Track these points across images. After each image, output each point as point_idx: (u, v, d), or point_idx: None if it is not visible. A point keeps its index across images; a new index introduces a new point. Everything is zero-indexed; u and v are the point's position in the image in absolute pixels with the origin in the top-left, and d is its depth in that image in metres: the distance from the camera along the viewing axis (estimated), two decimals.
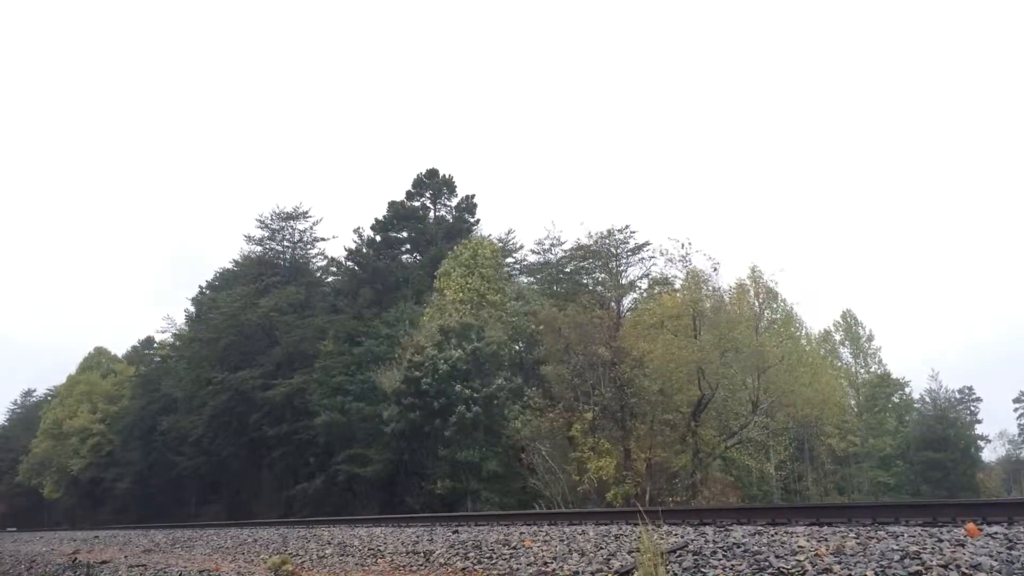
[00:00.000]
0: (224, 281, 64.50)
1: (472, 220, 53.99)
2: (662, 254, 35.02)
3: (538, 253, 58.80)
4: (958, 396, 71.59)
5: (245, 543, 17.72)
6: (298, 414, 47.84)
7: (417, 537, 13.44)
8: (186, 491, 63.35)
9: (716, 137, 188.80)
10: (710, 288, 34.11)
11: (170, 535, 23.16)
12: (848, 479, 58.74)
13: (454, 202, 54.95)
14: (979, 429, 70.46)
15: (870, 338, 69.57)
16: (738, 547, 8.14)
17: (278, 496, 49.90)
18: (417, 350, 37.72)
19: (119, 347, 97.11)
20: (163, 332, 76.77)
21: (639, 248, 47.70)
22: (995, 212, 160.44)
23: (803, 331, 57.75)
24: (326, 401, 43.76)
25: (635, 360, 33.50)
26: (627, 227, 47.12)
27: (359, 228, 54.75)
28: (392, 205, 53.80)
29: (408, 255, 54.75)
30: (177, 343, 68.22)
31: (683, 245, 33.44)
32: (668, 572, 7.81)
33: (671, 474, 32.71)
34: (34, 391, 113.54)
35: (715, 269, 33.75)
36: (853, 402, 64.37)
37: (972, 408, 72.47)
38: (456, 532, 13.37)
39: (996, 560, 6.31)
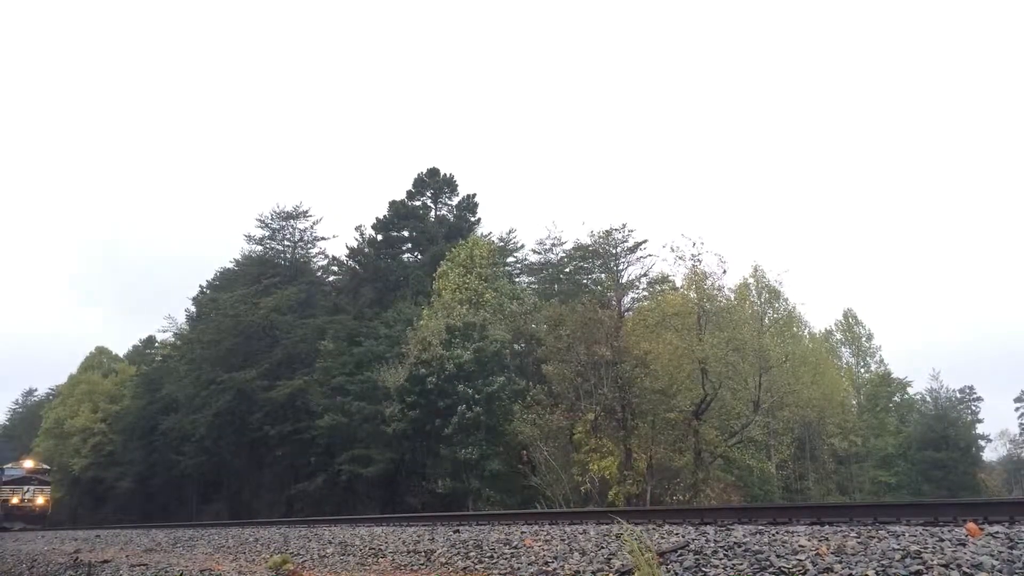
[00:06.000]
0: (224, 281, 64.53)
1: (473, 219, 54.04)
2: (673, 250, 33.98)
3: (539, 253, 58.94)
4: (959, 396, 71.52)
5: (246, 542, 17.72)
6: (299, 414, 47.86)
7: (418, 536, 13.44)
8: (187, 490, 63.36)
9: (718, 137, 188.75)
10: (715, 287, 33.86)
11: (171, 534, 23.15)
12: (849, 478, 58.70)
13: (455, 201, 55.02)
14: (980, 428, 70.44)
15: (870, 337, 69.63)
16: (739, 546, 8.14)
17: (279, 495, 49.90)
18: (424, 347, 37.71)
19: (120, 346, 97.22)
20: (164, 332, 76.94)
21: (636, 247, 47.84)
22: (997, 211, 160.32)
23: (806, 331, 57.80)
24: (327, 401, 43.76)
25: (637, 359, 33.46)
26: (624, 226, 47.28)
27: (360, 227, 54.86)
28: (393, 204, 53.85)
29: (409, 254, 54.80)
30: (178, 343, 68.26)
31: (694, 244, 33.14)
32: (669, 571, 7.81)
33: (673, 473, 32.69)
34: (35, 390, 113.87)
35: (724, 271, 33.47)
36: (854, 402, 64.36)
37: (973, 407, 72.39)
38: (457, 531, 13.36)
39: (997, 559, 6.31)
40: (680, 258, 33.32)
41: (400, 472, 41.70)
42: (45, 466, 59.53)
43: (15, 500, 50.23)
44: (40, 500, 51.42)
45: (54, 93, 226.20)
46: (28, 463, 57.14)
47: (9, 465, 56.18)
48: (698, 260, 33.05)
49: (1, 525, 46.80)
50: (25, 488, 51.17)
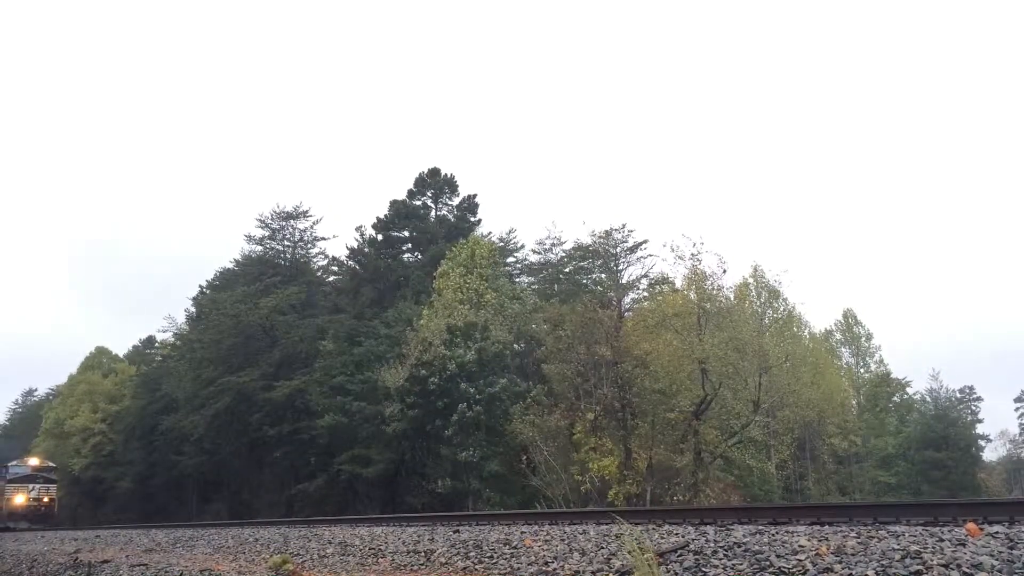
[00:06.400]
0: (224, 281, 64.60)
1: (473, 220, 54.04)
2: (672, 250, 33.80)
3: (539, 253, 59.01)
4: (959, 395, 71.50)
5: (246, 542, 17.72)
6: (299, 414, 47.85)
7: (418, 536, 13.43)
8: (187, 490, 63.40)
9: (717, 137, 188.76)
10: (715, 287, 33.84)
11: (171, 534, 23.14)
12: (849, 478, 58.71)
13: (455, 201, 55.01)
14: (980, 428, 70.40)
15: (869, 337, 69.57)
16: (739, 546, 8.14)
17: (279, 495, 49.91)
18: (425, 347, 37.74)
19: (120, 346, 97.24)
20: (164, 332, 77.04)
21: (636, 247, 47.96)
22: (996, 211, 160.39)
23: (806, 331, 57.77)
24: (327, 401, 43.77)
25: (637, 359, 33.47)
26: (624, 226, 47.46)
27: (361, 227, 54.84)
28: (394, 204, 53.84)
29: (409, 254, 54.82)
30: (178, 343, 68.31)
31: (695, 244, 33.11)
32: (669, 571, 7.81)
33: (673, 473, 32.72)
34: (35, 390, 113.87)
35: (724, 271, 33.44)
36: (854, 402, 64.35)
37: (973, 407, 72.34)
38: (457, 532, 13.36)
39: (997, 560, 6.31)
40: (680, 258, 33.29)
41: (400, 472, 41.70)
42: (51, 463, 56.13)
43: (20, 499, 47.90)
44: (46, 499, 48.92)
45: (54, 93, 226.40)
46: (33, 460, 54.39)
47: (14, 462, 53.27)
48: (698, 260, 33.05)
49: (5, 524, 45.38)
50: (30, 486, 48.80)
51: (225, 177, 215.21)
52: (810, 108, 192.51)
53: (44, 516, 48.67)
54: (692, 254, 32.95)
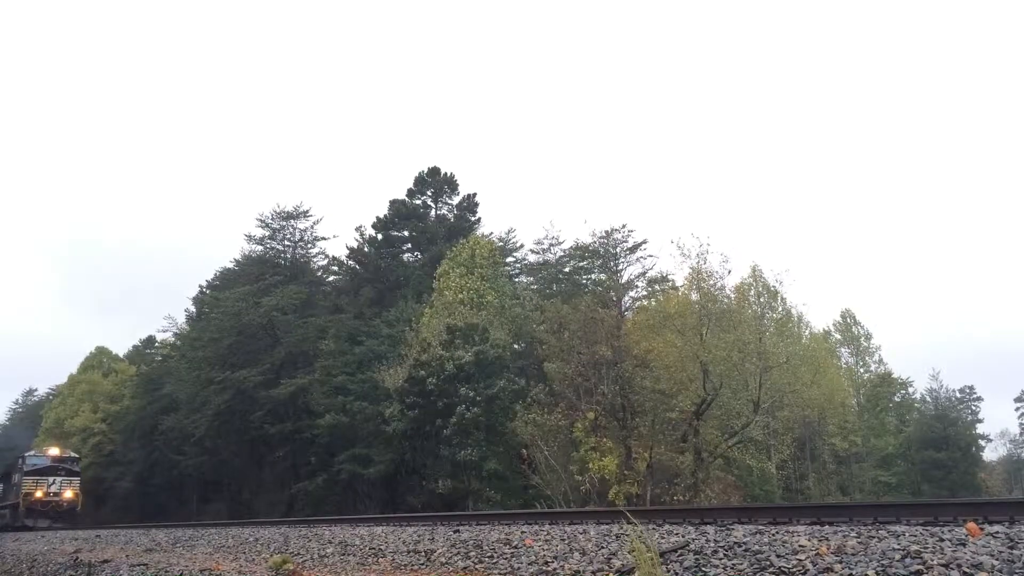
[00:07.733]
0: (225, 280, 64.60)
1: (473, 219, 54.01)
2: (679, 248, 34.01)
3: (537, 253, 58.98)
4: (959, 395, 71.55)
5: (246, 542, 17.73)
6: (300, 413, 47.87)
7: (418, 536, 13.43)
8: (187, 490, 63.43)
9: (718, 136, 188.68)
10: (716, 287, 33.83)
11: (171, 534, 23.14)
12: (849, 478, 58.70)
13: (455, 201, 54.97)
14: (980, 428, 70.50)
15: (868, 337, 69.53)
16: (739, 546, 8.14)
17: (279, 495, 49.93)
18: (423, 348, 37.74)
19: (120, 347, 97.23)
20: (164, 332, 77.01)
21: (636, 247, 48.01)
22: (997, 211, 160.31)
23: (807, 331, 57.68)
24: (327, 401, 43.77)
25: (637, 359, 33.46)
26: (624, 226, 47.51)
27: (361, 227, 54.79)
28: (393, 204, 53.80)
29: (409, 254, 54.80)
30: (178, 343, 68.31)
31: (700, 243, 33.12)
32: (669, 571, 7.81)
33: (673, 473, 32.69)
34: (35, 390, 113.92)
35: (728, 271, 33.48)
36: (854, 402, 64.37)
37: (973, 407, 72.45)
38: (457, 531, 13.36)
39: (997, 559, 6.31)
40: (686, 255, 33.29)
41: (400, 472, 41.69)
42: (73, 454, 49.70)
43: (39, 494, 42.62)
44: (68, 494, 43.44)
45: (55, 92, 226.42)
46: (54, 450, 48.22)
47: (31, 452, 47.98)
48: (703, 260, 33.07)
49: (23, 523, 41.63)
50: (51, 479, 43.47)
51: (225, 177, 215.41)
52: (810, 108, 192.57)
53: (67, 514, 43.45)
54: (698, 253, 33.01)
